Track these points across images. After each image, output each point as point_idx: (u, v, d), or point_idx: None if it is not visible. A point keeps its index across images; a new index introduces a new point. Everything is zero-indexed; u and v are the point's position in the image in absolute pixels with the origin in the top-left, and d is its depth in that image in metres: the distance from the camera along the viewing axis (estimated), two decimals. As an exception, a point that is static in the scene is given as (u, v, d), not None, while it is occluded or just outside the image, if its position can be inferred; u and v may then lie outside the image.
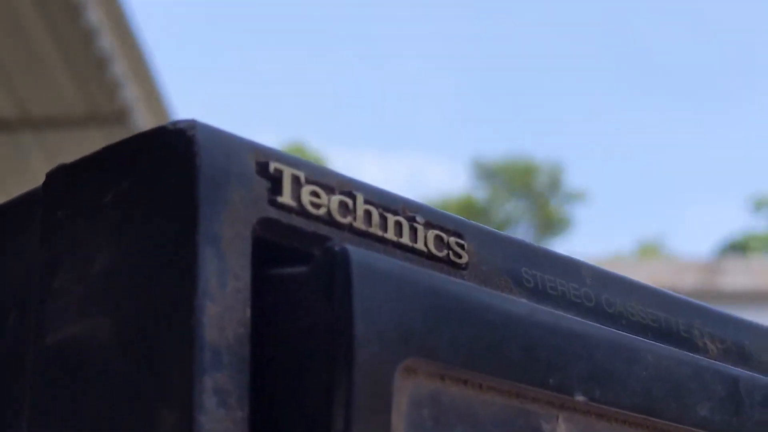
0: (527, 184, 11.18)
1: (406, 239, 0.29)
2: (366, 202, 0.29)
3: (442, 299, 0.26)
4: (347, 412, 0.24)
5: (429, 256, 0.29)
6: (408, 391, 0.25)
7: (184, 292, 0.24)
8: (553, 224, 11.16)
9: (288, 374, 0.25)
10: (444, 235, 0.30)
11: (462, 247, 0.30)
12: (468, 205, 11.02)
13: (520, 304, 0.29)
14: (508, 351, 0.27)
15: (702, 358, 0.34)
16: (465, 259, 0.30)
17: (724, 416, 0.33)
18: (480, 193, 11.50)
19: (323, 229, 0.27)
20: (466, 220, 0.31)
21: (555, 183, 11.25)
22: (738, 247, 8.28)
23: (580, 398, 0.29)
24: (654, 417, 0.31)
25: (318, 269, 0.25)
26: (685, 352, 0.33)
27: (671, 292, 0.36)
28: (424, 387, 0.26)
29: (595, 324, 0.31)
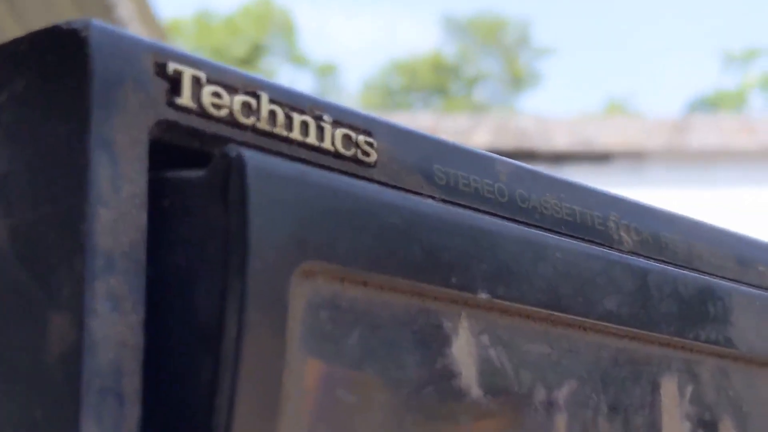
0: (496, 39, 11.08)
1: (312, 139, 0.29)
2: (271, 101, 0.28)
3: (341, 201, 0.26)
4: (240, 318, 0.24)
5: (336, 155, 0.29)
6: (305, 294, 0.26)
7: (76, 197, 0.24)
8: (521, 80, 11.12)
9: (183, 280, 0.25)
10: (352, 134, 0.30)
11: (371, 145, 0.30)
12: (437, 63, 10.93)
13: (423, 203, 0.29)
14: (410, 251, 0.28)
15: (612, 252, 0.34)
16: (374, 157, 0.30)
17: (632, 310, 0.33)
18: (450, 50, 11.40)
19: (225, 131, 0.27)
20: (377, 117, 0.31)
21: (524, 38, 11.15)
22: (708, 105, 8.31)
23: (483, 296, 0.29)
24: (559, 312, 0.31)
25: (213, 173, 0.25)
26: (595, 247, 0.34)
27: (588, 185, 0.36)
28: (323, 290, 0.26)
29: (502, 221, 0.31)
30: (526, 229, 0.32)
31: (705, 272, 0.38)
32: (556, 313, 0.31)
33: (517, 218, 0.33)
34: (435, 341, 0.28)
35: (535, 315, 0.31)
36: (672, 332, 0.35)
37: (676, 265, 0.37)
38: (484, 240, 0.30)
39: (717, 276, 0.38)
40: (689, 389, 0.35)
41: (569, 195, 0.35)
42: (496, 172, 0.33)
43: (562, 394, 0.31)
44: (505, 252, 0.30)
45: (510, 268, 0.30)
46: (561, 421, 0.31)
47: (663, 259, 0.37)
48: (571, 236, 0.34)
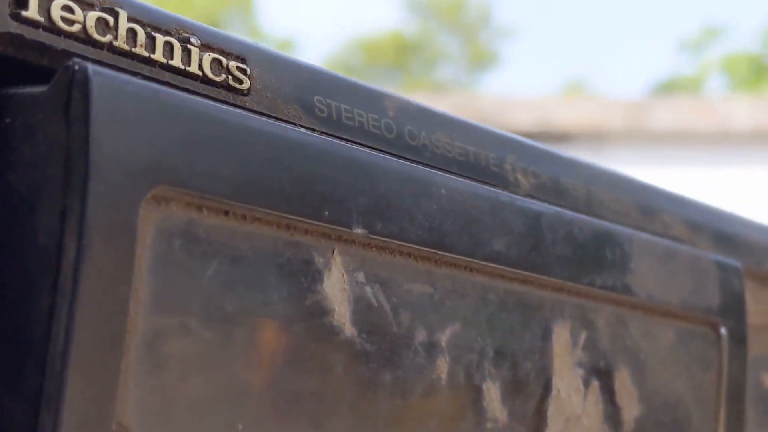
0: (458, 19, 11.06)
1: (177, 61, 0.27)
2: (131, 20, 0.27)
3: (200, 124, 0.25)
4: (80, 242, 0.22)
5: (204, 81, 0.28)
6: (156, 221, 0.24)
7: None
8: (482, 60, 11.11)
9: (25, 201, 0.24)
10: (223, 59, 0.28)
11: (244, 71, 0.29)
12: (399, 41, 10.89)
13: (294, 132, 0.28)
14: (278, 181, 0.26)
15: (502, 192, 0.33)
16: (246, 84, 0.29)
17: (522, 252, 0.32)
18: (411, 29, 11.36)
19: (77, 48, 0.25)
20: (253, 42, 0.30)
21: (485, 18, 11.14)
22: (665, 88, 8.35)
23: (359, 231, 0.28)
24: (443, 251, 0.30)
25: (55, 88, 0.23)
26: (484, 186, 0.32)
27: (484, 126, 0.35)
28: (177, 218, 0.25)
29: (384, 155, 0.30)
30: (409, 164, 0.30)
31: (606, 219, 0.37)
32: (439, 252, 0.30)
33: (405, 156, 0.32)
34: (304, 277, 0.27)
35: (416, 253, 0.30)
36: (566, 277, 0.34)
37: (576, 211, 0.36)
38: (362, 173, 0.28)
39: (619, 223, 0.37)
40: (583, 336, 0.34)
41: (463, 134, 0.34)
42: (384, 107, 0.32)
43: (445, 336, 0.30)
44: (385, 187, 0.29)
45: (390, 203, 0.29)
46: (443, 364, 0.30)
47: (562, 204, 0.36)
48: (464, 176, 0.33)
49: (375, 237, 0.28)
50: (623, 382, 0.35)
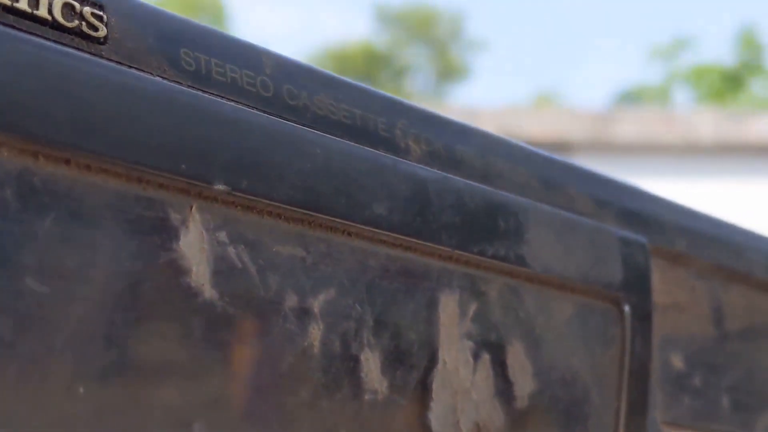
0: (428, 31, 11.08)
1: (23, 4, 0.26)
2: None
3: (38, 67, 0.24)
4: None
5: (55, 26, 0.26)
6: (-15, 166, 0.23)
7: None
8: (453, 72, 11.14)
9: None
10: (77, 4, 0.27)
11: (100, 18, 0.27)
12: (369, 51, 10.89)
13: (149, 81, 0.26)
14: (127, 130, 0.25)
15: (385, 155, 0.32)
16: (103, 32, 0.27)
17: (405, 217, 0.31)
18: (381, 40, 11.38)
19: None
20: None
21: (456, 31, 11.18)
22: (631, 98, 8.40)
23: (220, 187, 0.27)
24: (317, 213, 0.29)
25: None
26: (365, 148, 0.31)
27: (373, 89, 0.34)
28: (9, 165, 0.23)
29: (254, 111, 0.29)
30: (280, 121, 0.29)
31: (505, 190, 0.36)
32: (313, 214, 0.29)
33: (283, 116, 0.30)
34: (158, 234, 0.26)
35: (288, 214, 0.28)
36: (454, 245, 0.32)
37: (472, 180, 0.35)
38: (225, 127, 0.27)
39: (519, 195, 0.36)
40: (473, 307, 0.33)
41: (349, 96, 0.32)
42: (261, 63, 0.31)
43: (318, 302, 0.29)
44: (252, 143, 0.28)
45: (257, 160, 0.28)
46: (315, 331, 0.29)
47: (457, 173, 0.34)
48: (350, 141, 0.32)
49: (240, 195, 0.27)
50: (516, 356, 0.34)
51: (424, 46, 11.27)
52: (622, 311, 0.38)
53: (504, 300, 0.34)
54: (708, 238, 0.44)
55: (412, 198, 0.31)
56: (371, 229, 0.30)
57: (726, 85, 7.47)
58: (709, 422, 0.42)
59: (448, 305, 0.32)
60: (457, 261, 0.33)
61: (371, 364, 0.30)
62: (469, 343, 0.33)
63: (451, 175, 0.33)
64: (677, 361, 0.41)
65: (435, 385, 0.32)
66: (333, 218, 0.29)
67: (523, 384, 0.34)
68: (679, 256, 0.42)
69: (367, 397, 0.30)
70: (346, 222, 0.30)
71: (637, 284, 0.38)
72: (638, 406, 0.38)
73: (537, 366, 0.35)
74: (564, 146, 4.67)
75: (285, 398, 0.28)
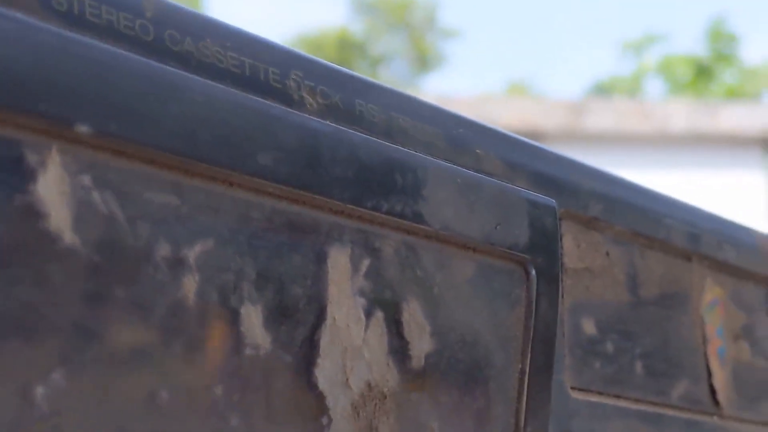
0: (404, 19, 11.07)
1: None
2: None
3: None
4: None
5: None
6: None
7: None
8: (427, 60, 11.13)
9: None
10: None
11: None
12: (344, 39, 10.86)
13: (9, 18, 0.25)
14: None
15: (273, 105, 0.31)
16: None
17: (293, 168, 0.30)
18: (356, 27, 11.35)
19: None
20: None
21: (430, 18, 11.16)
22: (603, 89, 8.41)
23: (83, 129, 0.26)
24: (196, 161, 0.28)
25: None
26: (253, 98, 0.30)
27: (265, 38, 0.33)
28: None
29: (125, 53, 0.28)
30: (157, 65, 0.28)
31: (408, 147, 0.35)
32: (191, 162, 0.28)
33: (165, 62, 0.29)
34: (12, 175, 0.25)
35: (163, 161, 0.27)
36: (346, 199, 0.32)
37: (372, 136, 0.34)
38: (92, 69, 0.26)
39: (423, 153, 0.35)
40: (366, 263, 0.32)
41: (238, 44, 0.31)
42: (140, 6, 0.29)
43: (194, 253, 0.28)
44: (123, 86, 0.27)
45: (128, 104, 0.27)
46: (190, 282, 0.28)
47: (356, 128, 0.34)
48: (238, 90, 0.31)
49: (108, 138, 0.26)
50: (413, 314, 0.33)
51: (399, 34, 11.26)
52: (528, 273, 0.37)
53: (400, 257, 0.33)
54: (625, 204, 0.43)
55: (300, 150, 0.30)
56: (255, 179, 0.29)
57: (697, 75, 7.49)
58: (621, 388, 0.41)
59: (338, 260, 0.31)
60: (349, 216, 0.32)
61: (253, 318, 0.29)
62: (362, 300, 0.32)
63: (347, 129, 0.33)
64: (589, 326, 0.41)
65: (323, 342, 0.31)
66: (213, 167, 0.28)
67: (420, 343, 0.34)
68: (593, 221, 0.42)
69: (248, 351, 0.29)
70: (228, 171, 0.29)
71: (545, 247, 0.37)
72: (543, 369, 0.37)
73: (435, 325, 0.34)
74: (537, 136, 4.67)
75: (155, 350, 0.27)
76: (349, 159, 0.32)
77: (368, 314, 0.32)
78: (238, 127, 0.29)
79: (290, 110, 0.31)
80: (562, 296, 0.40)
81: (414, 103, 0.36)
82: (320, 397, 0.31)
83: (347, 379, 0.31)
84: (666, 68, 7.75)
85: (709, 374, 0.46)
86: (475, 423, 0.35)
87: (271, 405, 0.29)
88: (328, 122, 0.32)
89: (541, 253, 0.37)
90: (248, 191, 0.29)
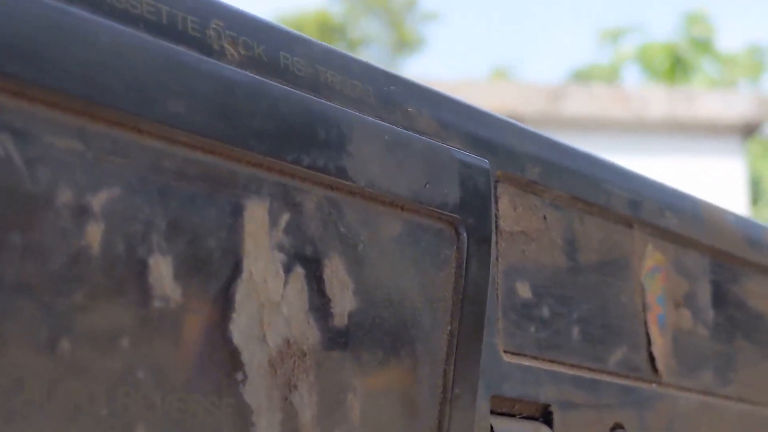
0: (383, 2, 11.04)
1: None
2: None
3: None
4: None
5: None
6: None
7: None
8: (407, 44, 11.11)
9: None
10: None
11: None
12: (323, 21, 10.83)
13: None
14: None
15: (189, 53, 0.30)
16: None
17: (207, 118, 0.29)
18: (336, 10, 11.32)
19: None
20: None
21: (411, 2, 11.14)
22: (582, 77, 8.42)
23: None
24: (102, 105, 0.27)
25: None
26: (165, 44, 0.29)
27: None
28: None
29: None
30: (61, 4, 0.27)
31: (334, 101, 0.34)
32: (97, 106, 0.27)
33: (72, 4, 0.28)
34: None
35: (66, 104, 0.27)
36: (265, 151, 0.31)
37: (297, 89, 0.33)
38: None
39: (350, 108, 0.34)
40: (285, 218, 0.32)
41: None
42: None
43: (98, 201, 0.27)
44: (18, 26, 0.26)
45: (27, 44, 0.26)
46: (94, 230, 0.27)
47: (279, 80, 0.33)
48: (153, 37, 0.30)
49: (4, 79, 0.25)
50: (336, 271, 0.33)
51: (379, 17, 11.23)
52: (459, 234, 0.36)
53: (323, 213, 0.33)
54: (563, 168, 0.43)
55: (215, 99, 0.30)
56: (165, 127, 0.28)
57: (674, 64, 7.51)
58: (557, 353, 0.41)
59: (255, 214, 0.31)
60: (268, 169, 0.31)
61: (162, 270, 0.28)
62: (280, 255, 0.31)
63: (267, 81, 0.32)
64: (524, 290, 0.40)
65: (238, 297, 0.30)
66: (119, 113, 0.28)
67: (343, 301, 0.33)
68: (531, 185, 0.41)
69: (156, 304, 0.28)
70: (135, 118, 0.28)
71: (476, 208, 0.37)
72: (474, 331, 0.37)
73: (359, 283, 0.33)
74: (516, 120, 4.67)
75: (56, 300, 0.26)
76: (267, 111, 0.31)
77: (287, 270, 0.32)
78: (147, 73, 0.28)
79: (205, 58, 0.30)
80: (497, 259, 0.39)
81: (343, 59, 0.36)
82: (235, 352, 0.30)
83: (264, 335, 0.31)
84: (643, 56, 7.76)
85: (649, 341, 0.45)
86: (401, 383, 0.34)
87: (181, 358, 0.29)
88: (246, 72, 0.31)
89: (473, 214, 0.37)
90: (158, 139, 0.28)
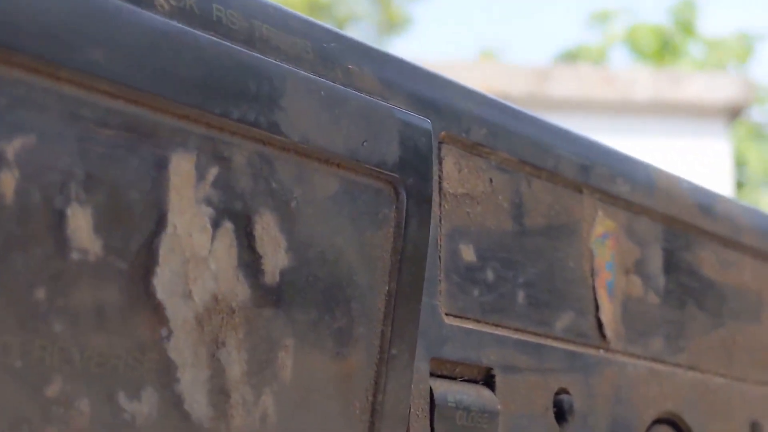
0: (372, -19, 10.99)
1: None
2: None
3: None
4: None
5: None
6: None
7: None
8: (394, 24, 11.07)
9: None
10: None
11: None
12: (310, 0, 10.78)
13: None
14: None
15: (110, 1, 0.29)
16: None
17: (130, 67, 0.29)
18: (324, -11, 11.26)
19: None
20: None
21: (399, -19, 11.09)
22: (570, 58, 8.41)
23: None
24: (16, 50, 0.27)
25: None
26: None
27: None
28: None
29: None
30: None
31: (269, 56, 0.33)
32: (11, 52, 0.26)
33: None
34: None
35: None
36: (192, 103, 0.30)
37: (230, 42, 0.32)
38: None
39: (288, 64, 0.34)
40: (213, 172, 0.31)
41: None
42: None
43: (13, 148, 0.27)
44: None
45: None
46: (9, 178, 0.26)
47: (211, 33, 0.32)
48: None
49: None
50: (267, 228, 0.32)
51: (367, -3, 11.18)
52: (398, 193, 0.36)
53: (253, 168, 0.32)
54: (511, 131, 0.42)
55: (140, 48, 0.29)
56: (85, 75, 0.28)
57: (662, 46, 7.50)
58: (500, 317, 0.41)
59: (181, 167, 0.30)
60: (195, 121, 0.30)
61: (80, 221, 0.28)
62: (208, 210, 0.31)
63: (196, 32, 0.31)
64: (468, 253, 0.40)
65: (162, 250, 0.30)
66: (35, 59, 0.27)
67: (275, 259, 0.32)
68: (476, 146, 0.41)
69: (74, 256, 0.28)
70: (52, 64, 0.27)
71: (417, 167, 0.36)
72: (412, 292, 0.36)
73: (293, 241, 0.33)
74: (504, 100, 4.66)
75: (-34, 247, 0.26)
76: (195, 62, 0.30)
77: (215, 225, 0.31)
78: (65, 19, 0.27)
79: (128, 6, 0.29)
80: (441, 221, 0.39)
81: (281, 13, 0.35)
82: (158, 307, 0.29)
83: (190, 291, 0.30)
84: (632, 38, 7.75)
85: (597, 307, 0.45)
86: (336, 342, 0.34)
87: (101, 313, 0.28)
88: (173, 23, 0.31)
89: (413, 173, 0.36)
90: (77, 87, 0.28)
